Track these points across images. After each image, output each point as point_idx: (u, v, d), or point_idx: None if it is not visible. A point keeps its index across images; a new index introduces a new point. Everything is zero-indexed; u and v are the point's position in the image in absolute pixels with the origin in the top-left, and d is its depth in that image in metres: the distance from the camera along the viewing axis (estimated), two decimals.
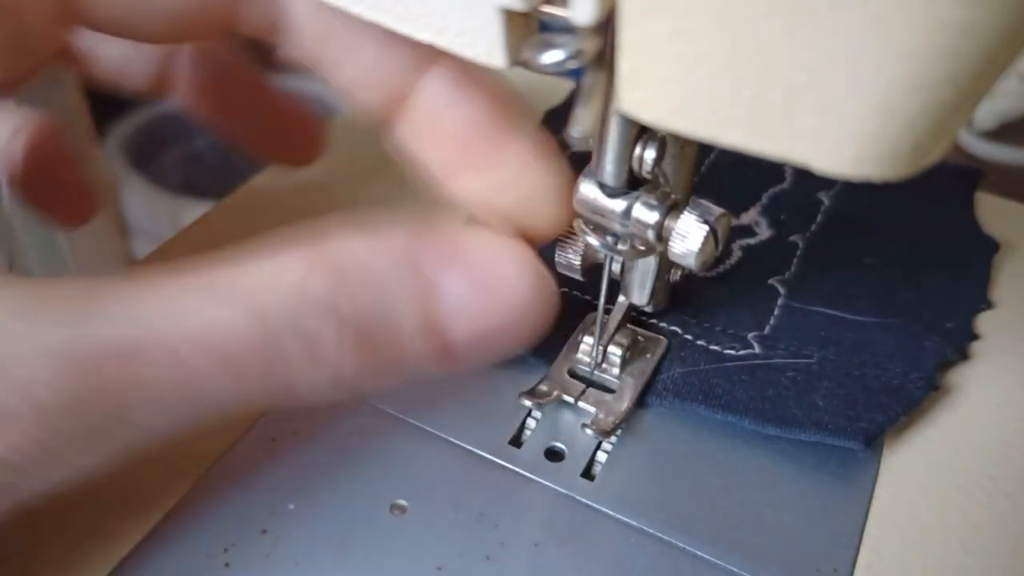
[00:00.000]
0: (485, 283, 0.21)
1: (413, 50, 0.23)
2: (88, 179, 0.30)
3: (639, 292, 0.26)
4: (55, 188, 0.28)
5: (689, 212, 0.22)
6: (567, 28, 0.17)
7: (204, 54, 0.29)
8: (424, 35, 0.19)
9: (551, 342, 0.27)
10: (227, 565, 0.21)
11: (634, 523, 0.23)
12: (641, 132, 0.21)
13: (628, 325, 0.27)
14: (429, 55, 0.23)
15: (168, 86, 0.29)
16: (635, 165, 0.21)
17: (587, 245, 0.24)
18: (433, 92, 0.23)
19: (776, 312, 0.28)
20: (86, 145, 0.32)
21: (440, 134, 0.23)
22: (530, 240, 0.24)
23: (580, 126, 0.19)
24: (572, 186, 0.24)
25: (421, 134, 0.24)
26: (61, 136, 0.29)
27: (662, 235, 0.22)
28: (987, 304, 0.29)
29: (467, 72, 0.23)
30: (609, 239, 0.23)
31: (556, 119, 0.37)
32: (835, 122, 0.15)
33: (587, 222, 0.23)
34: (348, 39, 0.23)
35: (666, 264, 0.26)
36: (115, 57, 0.28)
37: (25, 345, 0.17)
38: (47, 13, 0.21)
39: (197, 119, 0.30)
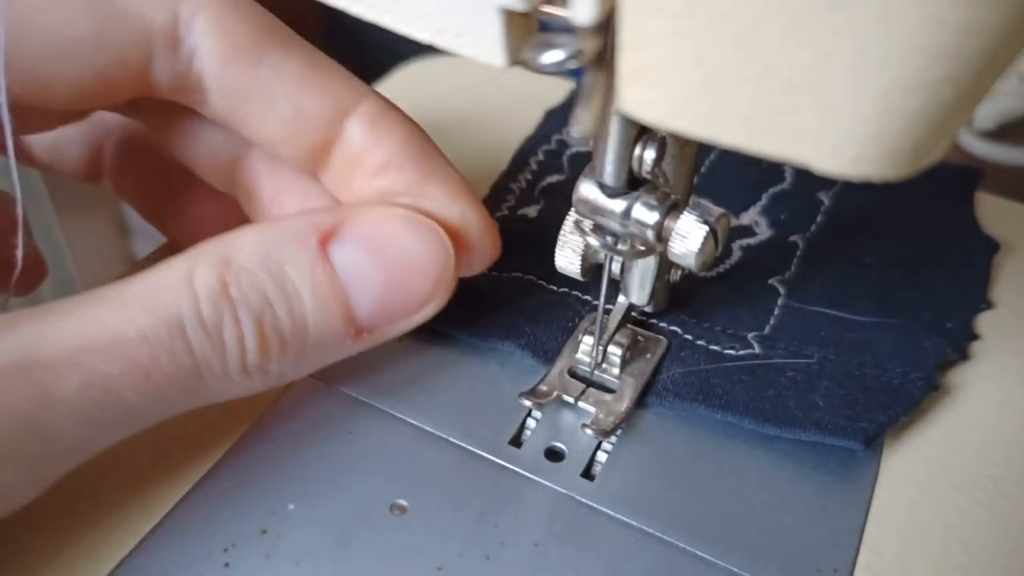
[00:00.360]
0: (382, 249, 0.22)
1: (331, 99, 0.23)
2: (34, 249, 0.31)
3: (639, 292, 0.26)
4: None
5: (689, 212, 0.22)
6: (567, 28, 0.17)
7: (130, 141, 0.29)
8: (424, 35, 0.19)
9: (551, 342, 0.27)
10: (227, 565, 0.21)
11: (634, 523, 0.23)
12: (641, 132, 0.21)
13: (628, 325, 0.27)
14: (348, 101, 0.23)
15: (99, 172, 0.30)
16: (635, 165, 0.21)
17: (587, 245, 0.24)
18: (355, 135, 0.24)
19: (776, 312, 0.28)
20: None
21: (366, 173, 0.24)
22: (465, 267, 0.25)
23: (580, 126, 0.19)
24: (491, 218, 0.25)
25: (348, 176, 0.24)
26: (5, 208, 0.30)
27: (662, 235, 0.22)
28: (987, 304, 0.29)
29: (388, 110, 0.24)
30: (609, 239, 0.23)
31: (556, 119, 0.37)
32: (835, 122, 0.15)
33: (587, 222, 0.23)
34: (264, 96, 0.23)
35: (666, 264, 0.26)
36: (47, 144, 0.29)
37: None
38: None
39: (127, 201, 0.30)
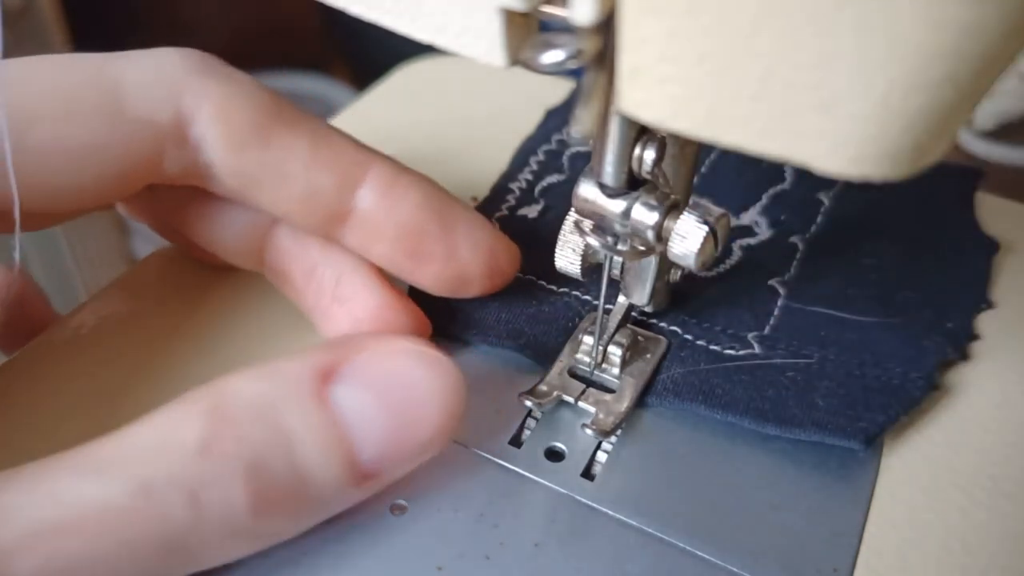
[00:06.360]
0: (387, 387, 0.21)
1: (340, 173, 0.24)
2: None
3: (639, 292, 0.26)
4: (28, 333, 0.29)
5: (688, 213, 0.22)
6: (567, 28, 0.17)
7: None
8: (424, 35, 0.19)
9: (551, 342, 0.27)
10: (227, 565, 0.21)
11: (634, 523, 0.23)
12: (641, 132, 0.21)
13: (628, 325, 0.27)
14: (357, 172, 0.24)
15: (111, 206, 0.29)
16: (635, 165, 0.21)
17: (587, 245, 0.24)
18: (370, 202, 0.24)
19: (776, 312, 0.28)
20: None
21: (387, 238, 0.24)
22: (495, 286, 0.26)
23: (580, 126, 0.19)
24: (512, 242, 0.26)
25: (369, 242, 0.24)
26: (35, 289, 0.31)
27: (662, 235, 0.22)
28: (987, 304, 0.29)
29: (399, 174, 0.24)
30: (609, 239, 0.23)
31: (556, 119, 0.37)
32: (835, 122, 0.15)
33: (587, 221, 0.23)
34: (274, 178, 0.23)
35: (666, 264, 0.26)
36: None
37: None
38: None
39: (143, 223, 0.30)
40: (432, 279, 0.25)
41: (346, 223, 0.24)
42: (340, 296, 0.26)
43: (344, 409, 0.20)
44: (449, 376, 0.21)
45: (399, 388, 0.21)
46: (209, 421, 0.19)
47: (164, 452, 0.18)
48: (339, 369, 0.20)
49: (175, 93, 0.23)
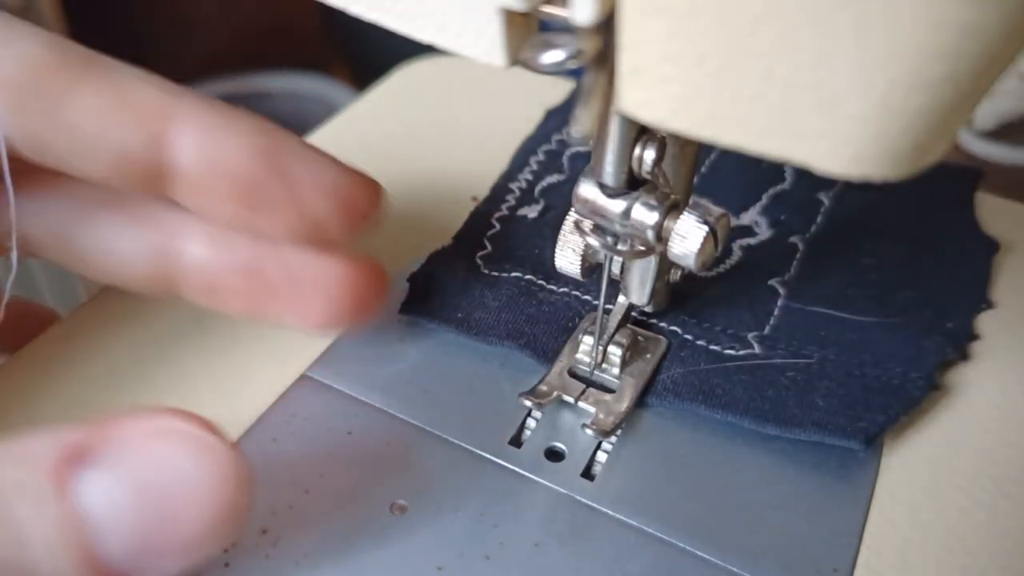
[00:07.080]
0: (141, 475, 0.18)
1: (146, 124, 0.21)
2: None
3: (639, 292, 0.26)
4: (27, 336, 0.27)
5: (688, 213, 0.22)
6: (567, 28, 0.17)
7: None
8: (424, 35, 0.19)
9: (551, 342, 0.27)
10: (227, 565, 0.21)
11: (634, 523, 0.23)
12: (641, 132, 0.21)
13: (628, 325, 0.27)
14: (166, 120, 0.21)
15: None
16: (635, 165, 0.21)
17: (587, 245, 0.24)
18: (189, 155, 0.21)
19: (776, 312, 0.28)
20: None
21: (218, 193, 0.22)
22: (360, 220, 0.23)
23: (580, 126, 0.19)
24: (365, 175, 0.23)
25: (201, 199, 0.22)
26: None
27: (661, 236, 0.22)
28: (987, 304, 0.29)
29: (217, 119, 0.22)
30: (609, 239, 0.23)
31: (556, 119, 0.37)
32: (835, 122, 0.15)
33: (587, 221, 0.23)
34: (68, 139, 0.21)
35: (666, 264, 0.26)
36: None
37: None
38: None
39: None
40: (281, 231, 0.23)
41: (170, 181, 0.22)
42: (299, 278, 0.23)
43: (88, 500, 0.17)
44: (223, 464, 0.18)
45: (158, 478, 0.18)
46: None
47: None
48: (89, 452, 0.18)
49: None
